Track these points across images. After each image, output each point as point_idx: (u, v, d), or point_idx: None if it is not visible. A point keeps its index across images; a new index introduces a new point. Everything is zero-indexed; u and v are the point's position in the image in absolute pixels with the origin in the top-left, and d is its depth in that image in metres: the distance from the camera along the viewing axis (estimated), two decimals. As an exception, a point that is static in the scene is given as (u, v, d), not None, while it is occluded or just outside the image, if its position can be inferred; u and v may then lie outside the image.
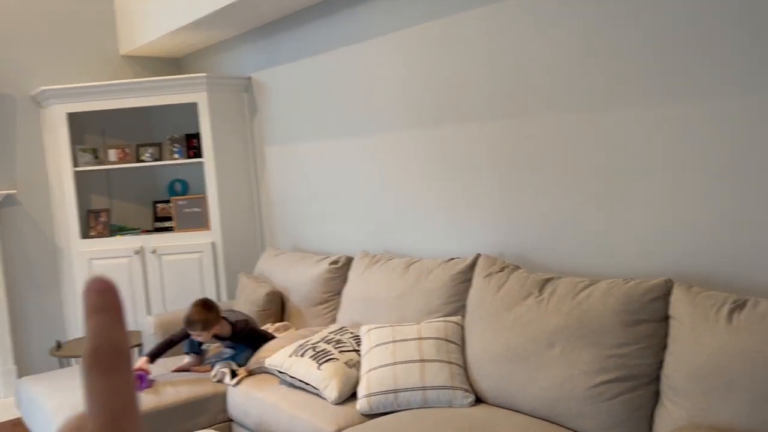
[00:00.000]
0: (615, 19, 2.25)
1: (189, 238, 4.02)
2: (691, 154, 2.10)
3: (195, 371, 3.00)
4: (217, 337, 2.92)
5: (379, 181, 3.30)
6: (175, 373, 2.98)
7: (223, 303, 3.65)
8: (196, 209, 4.09)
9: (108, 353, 0.29)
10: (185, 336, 2.94)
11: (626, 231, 2.30)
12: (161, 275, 4.01)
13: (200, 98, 3.91)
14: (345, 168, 3.50)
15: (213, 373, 2.88)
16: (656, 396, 2.01)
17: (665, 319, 2.04)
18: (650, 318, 2.04)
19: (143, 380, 2.81)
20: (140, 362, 2.88)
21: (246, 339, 2.96)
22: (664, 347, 2.02)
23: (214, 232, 3.99)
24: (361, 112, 3.34)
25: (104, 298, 0.30)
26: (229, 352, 3.00)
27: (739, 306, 1.86)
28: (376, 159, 3.29)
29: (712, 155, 2.05)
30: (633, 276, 2.29)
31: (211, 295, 4.00)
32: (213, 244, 3.98)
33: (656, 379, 2.01)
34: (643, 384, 2.02)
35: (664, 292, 2.05)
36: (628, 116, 2.25)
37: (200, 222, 4.07)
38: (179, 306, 3.99)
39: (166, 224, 4.32)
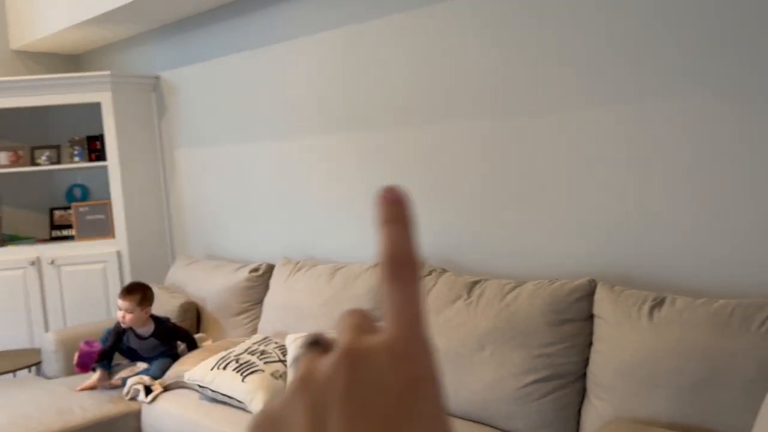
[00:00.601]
0: (532, 26, 2.31)
1: (91, 247, 3.76)
2: (613, 158, 2.19)
3: (104, 388, 2.79)
4: (138, 337, 2.82)
5: (299, 186, 3.22)
6: (82, 392, 2.76)
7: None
8: (99, 216, 3.83)
9: (403, 264, 0.29)
10: (119, 334, 2.87)
11: (549, 233, 2.37)
12: (61, 288, 3.72)
13: (104, 98, 3.67)
14: (262, 172, 3.39)
15: (125, 390, 2.70)
16: (583, 393, 2.07)
17: (590, 318, 2.10)
18: (576, 317, 2.10)
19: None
20: (96, 377, 2.78)
21: (170, 336, 2.91)
22: (589, 345, 2.09)
23: (119, 240, 3.75)
24: (279, 114, 3.26)
25: (396, 209, 0.30)
26: (141, 366, 2.83)
27: (658, 303, 1.95)
28: (295, 162, 3.22)
29: (631, 158, 2.15)
30: (557, 276, 2.36)
31: (116, 309, 3.75)
32: (118, 253, 3.74)
33: (583, 376, 2.07)
34: (570, 382, 2.07)
35: (588, 292, 2.12)
36: (550, 121, 2.31)
37: (104, 230, 3.82)
38: (81, 321, 3.72)
39: (65, 233, 4.02)
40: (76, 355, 2.93)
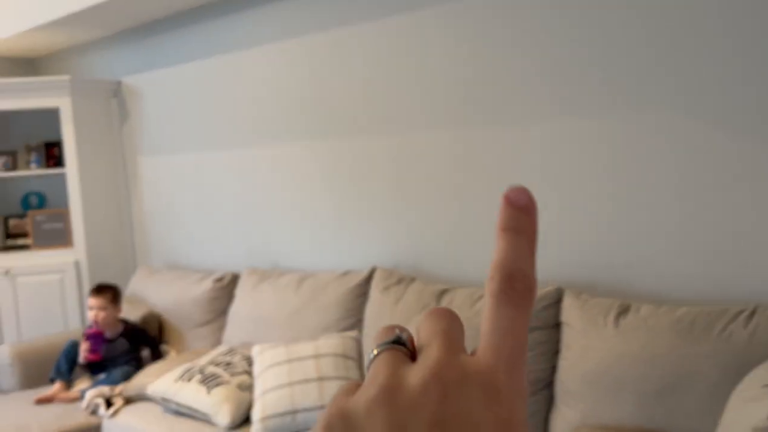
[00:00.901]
0: (500, 36, 2.34)
1: (48, 257, 3.64)
2: (580, 169, 2.22)
3: (62, 400, 2.70)
4: (105, 341, 2.78)
5: (264, 194, 3.19)
6: (39, 405, 2.67)
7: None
8: (56, 225, 3.72)
9: (518, 284, 0.26)
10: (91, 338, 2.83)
11: (517, 242, 2.39)
12: (15, 299, 3.59)
13: (63, 103, 3.58)
14: (226, 180, 3.35)
15: (85, 403, 2.61)
16: (551, 401, 2.09)
17: (557, 325, 2.13)
18: (543, 325, 2.13)
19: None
20: (55, 389, 2.72)
21: (139, 338, 2.92)
22: (556, 353, 2.11)
23: (77, 250, 3.65)
24: (243, 122, 3.22)
25: (523, 217, 0.27)
26: (101, 377, 2.76)
27: (624, 311, 1.99)
28: (260, 171, 3.18)
29: (598, 169, 2.19)
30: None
31: (75, 320, 3.65)
32: (77, 264, 3.64)
33: (550, 384, 2.10)
34: (538, 390, 2.09)
35: (555, 300, 2.15)
36: (518, 131, 2.34)
37: (62, 239, 3.71)
38: (38, 333, 3.60)
39: (20, 242, 3.89)
40: (86, 347, 2.81)
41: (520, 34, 2.30)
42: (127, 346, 2.86)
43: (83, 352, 2.79)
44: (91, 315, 2.81)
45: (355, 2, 2.72)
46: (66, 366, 2.80)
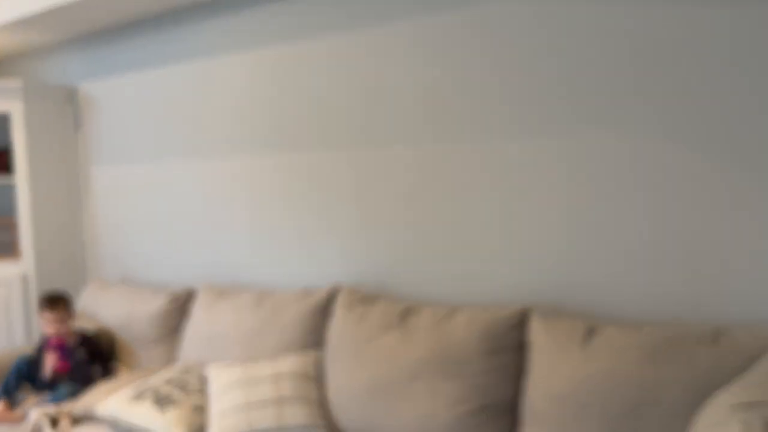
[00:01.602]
0: (467, 52, 2.33)
1: (-7, 268, 3.47)
2: (546, 188, 2.22)
3: (6, 420, 2.55)
4: (62, 348, 2.72)
5: (222, 209, 3.10)
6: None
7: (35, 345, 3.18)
8: (2, 235, 3.55)
9: None
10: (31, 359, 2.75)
11: (482, 261, 2.37)
12: (-45, 312, 3.40)
13: (15, 108, 3.43)
14: (185, 193, 3.25)
15: (30, 424, 2.46)
16: (516, 422, 2.06)
17: (523, 346, 2.11)
18: (509, 346, 2.11)
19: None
20: (0, 408, 2.59)
21: (96, 348, 2.84)
22: (522, 374, 2.09)
23: (25, 262, 3.48)
24: (201, 133, 3.14)
25: None
26: (46, 395, 2.63)
27: (590, 333, 1.98)
28: (218, 184, 3.10)
29: (563, 189, 2.19)
30: (490, 304, 2.36)
31: (20, 335, 3.47)
32: (24, 276, 3.47)
33: (516, 405, 2.07)
34: (503, 412, 2.06)
35: (521, 321, 2.13)
36: (483, 149, 2.33)
37: (7, 250, 3.54)
38: (-23, 348, 3.41)
39: (-37, 252, 3.69)
40: (53, 358, 2.70)
41: (486, 51, 2.30)
42: (86, 357, 2.78)
43: (51, 364, 2.68)
44: (49, 328, 2.73)
45: (320, 15, 2.69)
46: (15, 384, 2.67)
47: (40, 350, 2.78)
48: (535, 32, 2.20)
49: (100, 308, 3.16)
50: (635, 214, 2.07)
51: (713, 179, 1.94)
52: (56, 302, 2.78)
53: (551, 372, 1.96)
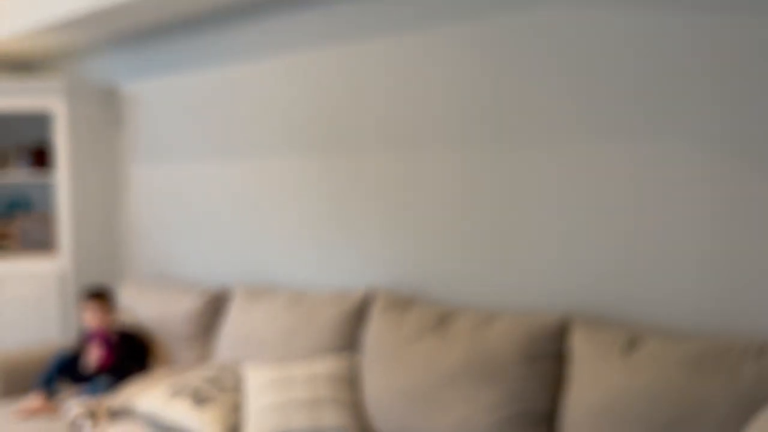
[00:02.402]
0: (513, 57, 2.34)
1: (32, 263, 3.54)
2: (585, 195, 2.22)
3: (44, 411, 2.60)
4: (107, 342, 2.75)
5: (262, 210, 3.14)
6: (21, 420, 2.56)
7: (74, 339, 3.24)
8: (42, 231, 3.63)
9: None
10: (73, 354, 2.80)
11: (521, 268, 2.37)
12: (-5, 305, 3.48)
13: (58, 106, 3.51)
14: (221, 193, 3.29)
15: (69, 419, 2.50)
16: (554, 431, 2.05)
17: (563, 355, 2.10)
18: (548, 354, 2.10)
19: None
20: (38, 400, 2.62)
21: (135, 342, 2.89)
22: (561, 383, 2.08)
23: (62, 257, 3.55)
24: (240, 135, 3.18)
25: None
26: (85, 388, 2.67)
27: (632, 343, 1.96)
28: (258, 186, 3.14)
29: (607, 199, 2.18)
30: (529, 312, 2.35)
31: (55, 331, 3.53)
32: (60, 271, 3.54)
33: (554, 414, 2.06)
34: (541, 420, 2.05)
35: (562, 329, 2.12)
36: (524, 156, 2.33)
37: (46, 245, 3.61)
38: (16, 341, 3.48)
39: (2, 243, 3.77)
40: (98, 352, 2.74)
41: (532, 56, 2.30)
42: (128, 350, 2.83)
43: (95, 357, 2.73)
44: (93, 320, 2.79)
45: (360, 20, 2.72)
46: (55, 377, 2.72)
47: (83, 343, 2.84)
48: (587, 38, 2.20)
49: (135, 305, 3.21)
50: (683, 224, 2.05)
51: (765, 191, 1.92)
52: (101, 295, 2.86)
53: (591, 382, 1.95)
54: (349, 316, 2.52)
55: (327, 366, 2.36)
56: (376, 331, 2.40)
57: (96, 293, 2.87)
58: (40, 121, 3.93)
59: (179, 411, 2.31)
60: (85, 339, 2.85)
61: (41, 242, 3.63)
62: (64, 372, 2.76)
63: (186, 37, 3.40)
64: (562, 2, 2.23)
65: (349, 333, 2.50)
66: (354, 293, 2.59)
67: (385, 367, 2.29)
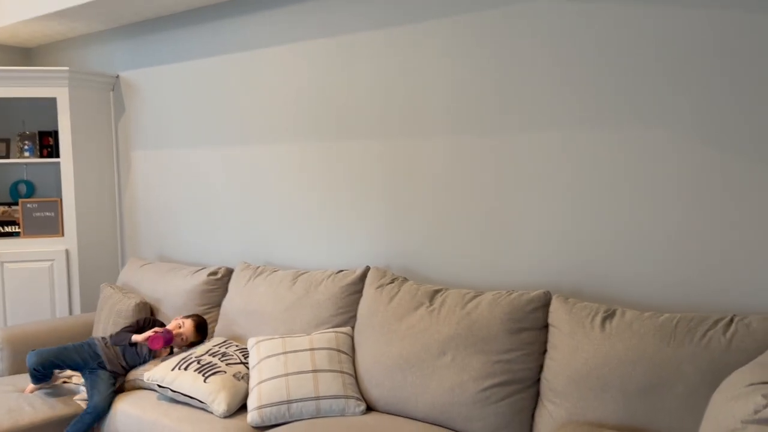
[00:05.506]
0: (502, 45, 2.45)
1: (38, 244, 3.65)
2: (566, 181, 2.34)
3: (50, 389, 2.71)
4: (168, 338, 2.74)
5: (258, 191, 3.25)
6: (33, 393, 2.68)
7: (77, 316, 3.36)
8: (48, 213, 3.73)
9: None
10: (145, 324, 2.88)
11: (506, 247, 2.50)
12: (2, 285, 3.59)
13: (60, 93, 3.60)
14: (220, 177, 3.40)
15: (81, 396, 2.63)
16: (537, 397, 2.19)
17: (545, 327, 2.24)
18: (532, 326, 2.23)
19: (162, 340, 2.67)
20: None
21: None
22: (544, 353, 2.22)
23: (68, 238, 3.66)
24: (241, 120, 3.29)
25: None
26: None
27: (609, 315, 2.10)
28: (255, 168, 3.25)
29: (584, 182, 2.31)
30: (512, 287, 2.49)
31: (64, 307, 3.66)
32: (67, 252, 3.65)
33: (537, 382, 2.20)
34: (526, 387, 2.19)
35: (544, 303, 2.25)
36: (509, 143, 2.45)
37: (52, 228, 3.72)
38: (24, 319, 3.60)
39: (9, 229, 3.89)
40: (157, 334, 2.71)
41: (520, 46, 2.41)
42: (162, 352, 2.84)
43: (155, 332, 2.70)
44: (174, 327, 2.80)
45: (358, 10, 2.82)
46: (71, 364, 2.68)
47: (147, 323, 2.92)
48: (571, 29, 2.31)
49: (139, 284, 3.33)
50: (659, 205, 2.18)
51: (738, 174, 2.04)
52: (201, 326, 2.87)
53: (571, 351, 2.09)
54: (346, 292, 2.65)
55: (325, 338, 2.49)
56: (369, 305, 2.53)
57: (201, 322, 2.88)
58: (44, 108, 4.02)
59: (187, 382, 2.44)
60: (151, 321, 2.93)
61: (48, 225, 3.74)
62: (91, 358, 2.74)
63: (185, 27, 3.49)
64: (547, -7, 2.33)
65: (347, 307, 2.63)
66: (352, 270, 2.72)
67: (378, 339, 2.43)
